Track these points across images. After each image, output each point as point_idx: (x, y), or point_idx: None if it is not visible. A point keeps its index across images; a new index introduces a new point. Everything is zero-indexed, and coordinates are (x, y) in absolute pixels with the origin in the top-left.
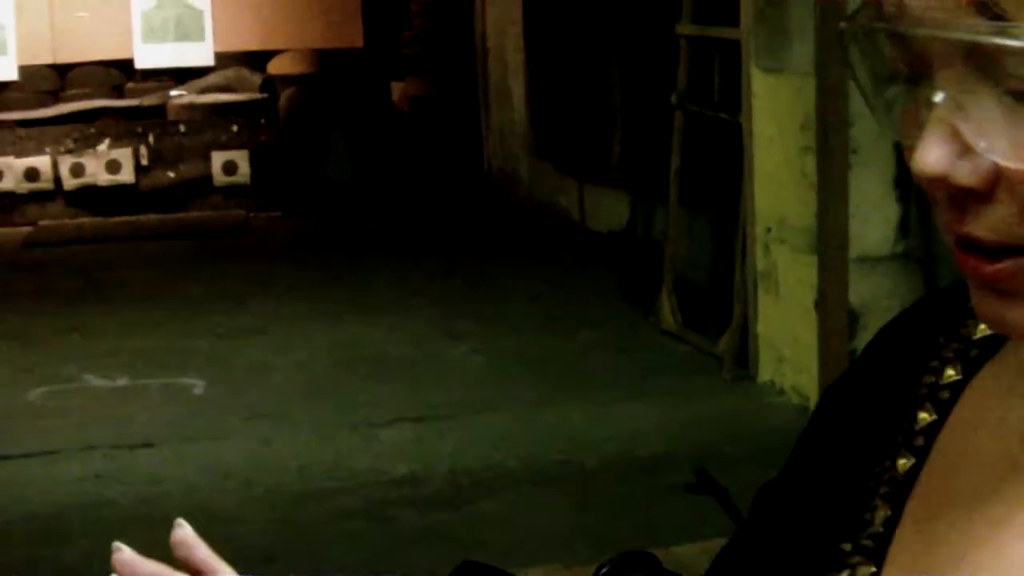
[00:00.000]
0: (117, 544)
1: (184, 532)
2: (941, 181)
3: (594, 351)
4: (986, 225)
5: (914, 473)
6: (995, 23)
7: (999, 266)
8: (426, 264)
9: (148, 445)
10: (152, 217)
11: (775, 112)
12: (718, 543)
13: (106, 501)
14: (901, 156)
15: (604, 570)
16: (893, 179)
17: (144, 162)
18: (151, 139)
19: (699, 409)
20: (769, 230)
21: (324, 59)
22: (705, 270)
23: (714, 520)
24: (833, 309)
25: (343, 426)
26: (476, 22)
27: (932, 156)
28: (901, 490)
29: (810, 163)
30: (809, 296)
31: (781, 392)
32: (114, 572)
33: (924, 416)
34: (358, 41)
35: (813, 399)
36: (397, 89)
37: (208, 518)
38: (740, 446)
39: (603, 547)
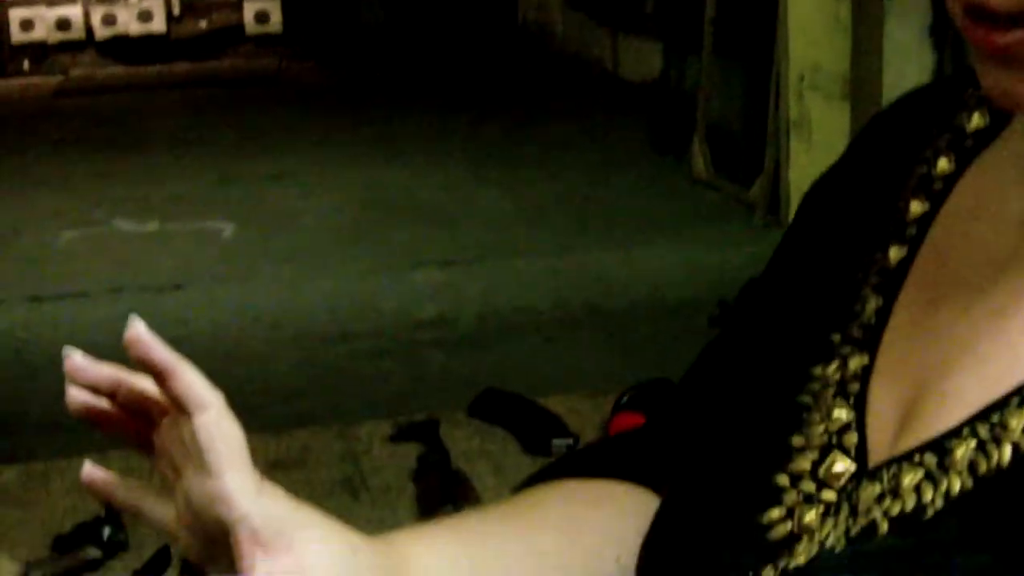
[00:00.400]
0: (67, 349)
1: (138, 329)
2: None
3: (625, 197)
4: None
5: (906, 264)
6: None
7: (1011, 36)
8: (458, 112)
9: (177, 288)
10: (183, 66)
11: None
12: None
13: None
14: (936, 2)
15: (625, 397)
16: (928, 26)
17: (175, 11)
18: None
19: (729, 255)
20: (802, 77)
21: None
22: (738, 118)
23: None
24: None
25: (372, 269)
26: None
27: None
28: (893, 280)
29: (844, 9)
30: (841, 143)
31: None
32: (68, 380)
33: (916, 206)
34: None
35: None
36: None
37: (236, 359)
38: None
39: (626, 377)
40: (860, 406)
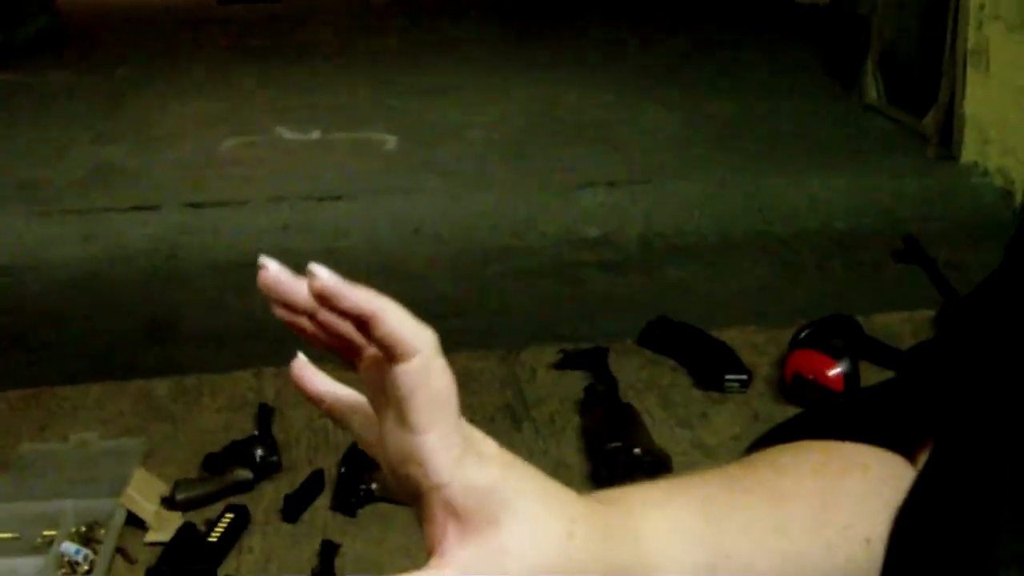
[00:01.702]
0: (263, 259)
1: (321, 275)
2: None
3: (795, 122)
4: None
5: None
6: None
7: None
8: (630, 30)
9: (337, 198)
10: None
11: None
12: (924, 314)
13: (293, 252)
14: None
15: (804, 333)
16: None
17: None
18: None
19: (899, 185)
20: (983, 6)
21: None
22: (913, 45)
23: (919, 291)
24: None
25: (536, 186)
26: None
27: None
28: None
29: None
30: (1020, 77)
31: (985, 173)
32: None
33: None
34: None
35: (1019, 182)
36: None
37: (394, 273)
38: (941, 225)
39: (796, 316)
40: None
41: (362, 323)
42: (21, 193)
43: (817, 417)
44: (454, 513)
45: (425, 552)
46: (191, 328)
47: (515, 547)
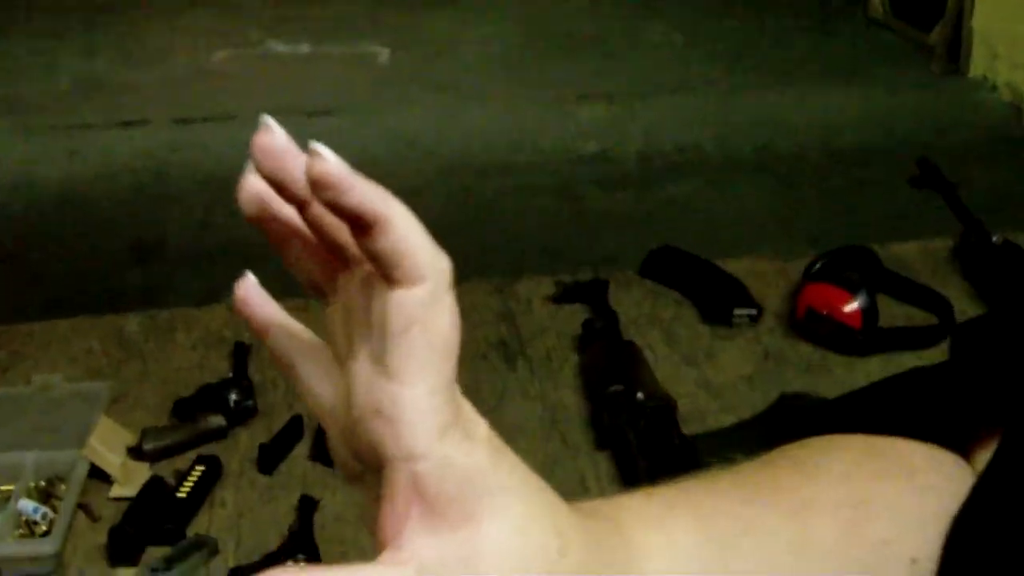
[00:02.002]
0: (264, 117)
1: (321, 154)
2: None
3: (797, 36)
4: None
5: None
6: None
7: None
8: None
9: (328, 113)
10: None
11: None
12: (941, 243)
13: None
14: None
15: (818, 264)
16: None
17: None
18: None
19: (905, 101)
20: None
21: None
22: None
23: (934, 217)
24: None
25: (533, 101)
26: None
27: None
28: None
29: None
30: None
31: (993, 88)
32: (254, 158)
33: None
34: None
35: None
36: None
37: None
38: (949, 141)
39: (802, 239)
40: None
41: (364, 228)
42: (3, 108)
43: (852, 404)
44: (422, 496)
45: (375, 540)
46: (175, 248)
47: (493, 553)
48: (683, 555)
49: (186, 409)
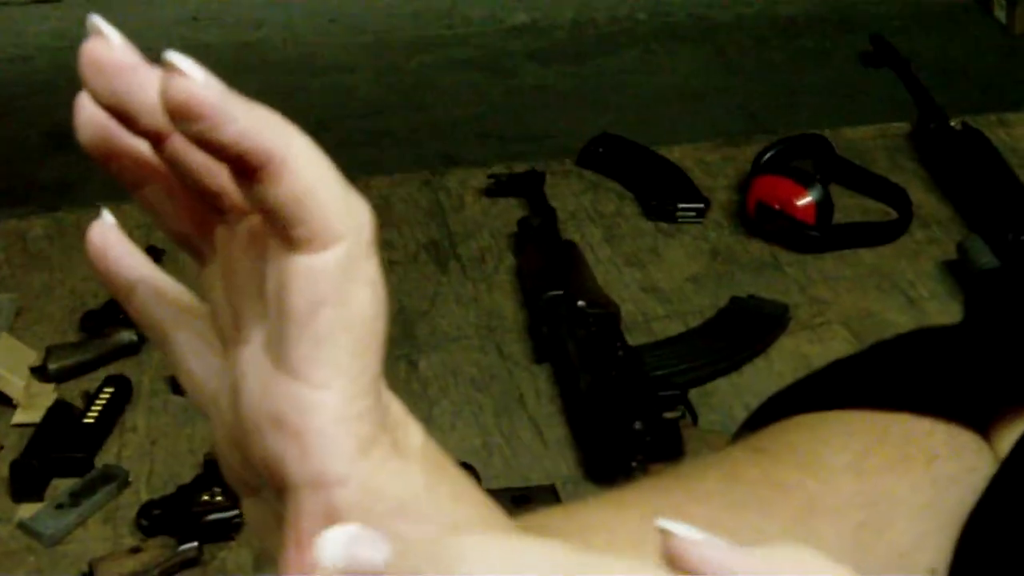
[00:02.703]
0: (93, 18)
1: (181, 66)
2: None
3: None
4: None
5: None
6: None
7: None
8: None
9: None
10: None
11: None
12: (898, 127)
13: (203, 45)
14: None
15: (768, 154)
16: None
17: None
18: None
19: None
20: None
21: None
22: None
23: (888, 97)
24: None
25: None
26: None
27: None
28: None
29: None
30: None
31: None
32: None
33: None
34: None
35: None
36: None
37: (313, 67)
38: (892, 10)
39: (745, 117)
40: None
41: (249, 173)
42: None
43: (851, 370)
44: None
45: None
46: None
47: None
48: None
49: (94, 322)
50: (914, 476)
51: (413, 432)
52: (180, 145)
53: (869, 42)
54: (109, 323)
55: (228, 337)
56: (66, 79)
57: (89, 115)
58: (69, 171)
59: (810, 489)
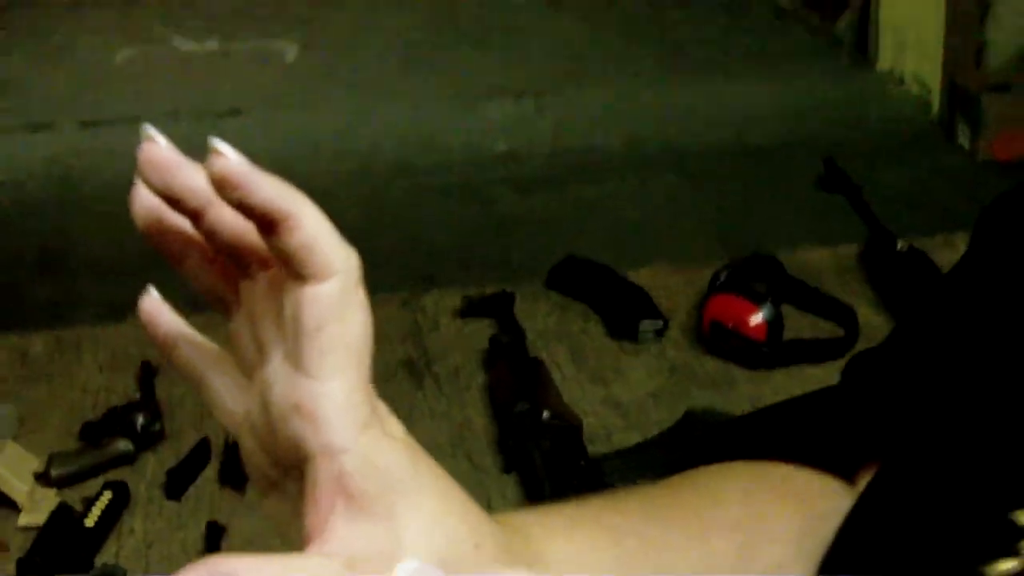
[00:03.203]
0: (147, 127)
1: (224, 153)
2: None
3: (705, 27)
4: None
5: None
6: None
7: None
8: None
9: (236, 112)
10: None
11: None
12: (847, 249)
13: None
14: None
15: (723, 275)
16: None
17: None
18: None
19: (814, 95)
20: None
21: None
22: None
23: (842, 219)
24: None
25: (441, 98)
26: None
27: None
28: None
29: None
30: None
31: (901, 81)
32: (141, 172)
33: None
34: None
35: (935, 90)
36: None
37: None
38: (857, 137)
39: (711, 241)
40: None
41: (272, 226)
42: None
43: (749, 429)
44: (346, 491)
45: (301, 536)
46: (82, 260)
47: (413, 546)
48: (588, 565)
49: (93, 433)
50: (789, 510)
51: (395, 425)
52: (214, 218)
53: (823, 166)
54: (107, 433)
55: (252, 364)
56: (56, 204)
57: (143, 203)
58: (61, 292)
59: (707, 512)
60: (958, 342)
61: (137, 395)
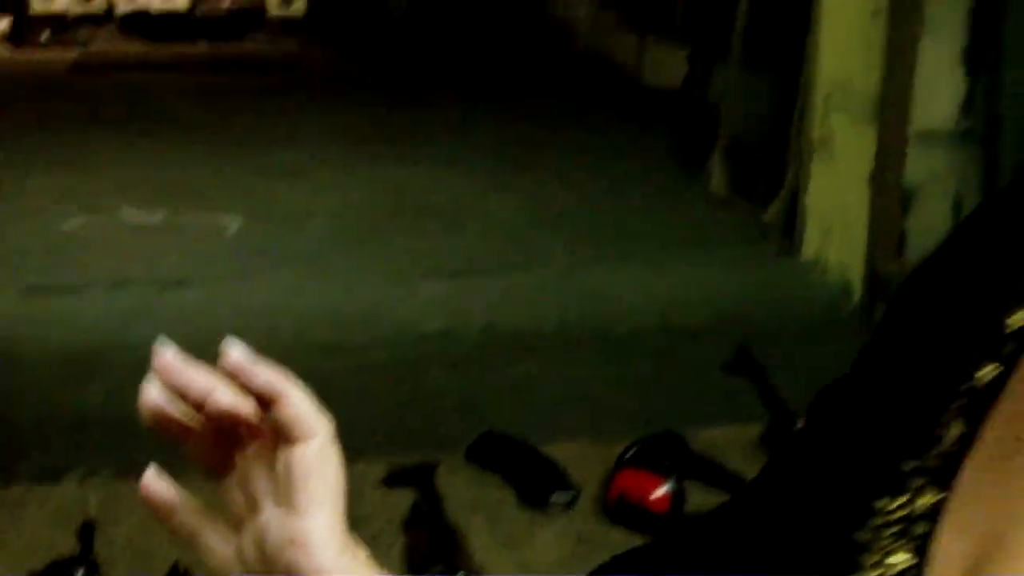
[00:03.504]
0: (161, 342)
1: (235, 352)
2: None
3: (640, 212)
4: None
5: (998, 384)
6: None
7: None
8: (478, 110)
9: (180, 284)
10: (203, 47)
11: None
12: (751, 429)
13: (132, 341)
14: (974, 25)
15: (631, 451)
16: (963, 50)
17: None
18: None
19: (740, 280)
20: (829, 96)
21: None
22: (761, 134)
23: (751, 402)
24: (887, 183)
25: (378, 276)
26: None
27: None
28: (981, 403)
29: (878, 27)
30: (864, 168)
31: (825, 268)
32: (154, 377)
33: (1018, 318)
34: None
35: (858, 278)
36: None
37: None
38: (778, 323)
39: (633, 422)
40: (924, 551)
41: (268, 403)
42: None
43: (632, 560)
44: None
45: None
46: (26, 425)
47: None
48: None
49: None
50: None
51: (362, 550)
52: (214, 403)
53: (735, 351)
54: None
55: (245, 517)
56: None
57: (149, 403)
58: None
59: None
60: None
61: (77, 551)
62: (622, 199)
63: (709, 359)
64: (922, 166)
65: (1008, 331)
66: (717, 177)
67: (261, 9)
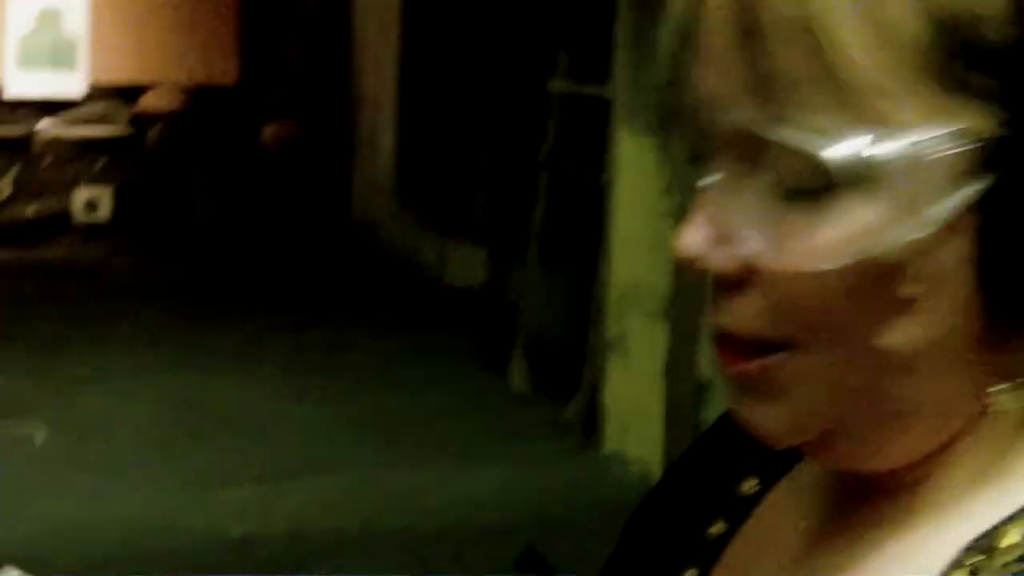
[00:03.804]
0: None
1: None
2: (696, 263)
3: (444, 413)
4: (737, 317)
5: (725, 538)
6: (767, 112)
7: (750, 364)
8: (281, 316)
9: None
10: (6, 254)
11: (640, 174)
12: None
13: None
14: None
15: None
16: None
17: (4, 195)
18: (15, 171)
19: (543, 478)
20: (624, 295)
21: (196, 97)
22: (560, 332)
23: None
24: (681, 379)
25: (181, 483)
26: (350, 67)
27: (690, 237)
28: (711, 554)
29: (669, 228)
30: (659, 364)
31: (625, 463)
32: None
33: (718, 527)
34: (232, 76)
35: (656, 472)
36: (267, 131)
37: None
38: (579, 518)
39: None
40: None
41: None
42: None
43: None
44: None
45: None
46: None
47: None
48: None
49: None
50: None
51: None
52: None
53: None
54: None
55: None
56: None
57: None
58: None
59: None
60: None
61: None
62: (426, 401)
63: (508, 557)
64: (714, 359)
65: (708, 538)
66: (518, 375)
67: (66, 215)
